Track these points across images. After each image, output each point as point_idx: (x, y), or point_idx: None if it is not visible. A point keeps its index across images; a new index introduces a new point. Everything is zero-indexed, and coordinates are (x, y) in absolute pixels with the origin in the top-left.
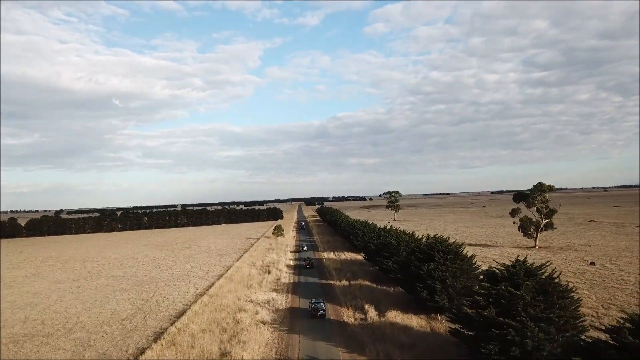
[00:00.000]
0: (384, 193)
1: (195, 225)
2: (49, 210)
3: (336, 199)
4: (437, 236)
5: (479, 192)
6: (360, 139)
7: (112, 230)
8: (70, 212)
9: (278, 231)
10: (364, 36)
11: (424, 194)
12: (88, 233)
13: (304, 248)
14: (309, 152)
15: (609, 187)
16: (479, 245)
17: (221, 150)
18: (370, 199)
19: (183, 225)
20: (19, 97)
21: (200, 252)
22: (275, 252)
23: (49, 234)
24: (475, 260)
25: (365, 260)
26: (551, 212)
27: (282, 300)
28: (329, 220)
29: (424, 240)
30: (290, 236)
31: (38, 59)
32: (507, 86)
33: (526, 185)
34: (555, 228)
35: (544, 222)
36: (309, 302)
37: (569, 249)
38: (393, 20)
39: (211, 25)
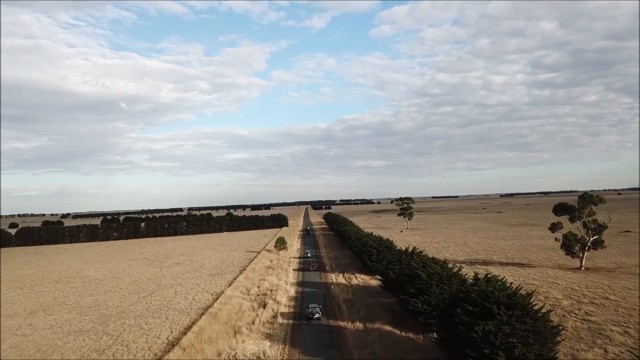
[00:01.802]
0: (396, 199)
1: (195, 233)
2: (55, 214)
3: (343, 202)
4: (489, 277)
5: (487, 195)
6: (366, 142)
7: (107, 239)
8: (75, 216)
9: (281, 244)
10: (370, 38)
11: (432, 197)
12: (82, 242)
13: (308, 255)
14: (314, 154)
15: (621, 190)
16: (512, 264)
17: (227, 153)
18: (378, 203)
19: (182, 234)
20: (27, 100)
21: (192, 270)
22: (276, 272)
23: (41, 244)
24: (549, 314)
25: (381, 288)
26: (600, 228)
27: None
28: (336, 230)
29: (469, 280)
30: (294, 249)
31: (45, 62)
32: (514, 88)
33: (533, 187)
34: (606, 247)
35: (591, 239)
36: (306, 307)
37: (624, 272)
38: (399, 22)
39: (217, 28)
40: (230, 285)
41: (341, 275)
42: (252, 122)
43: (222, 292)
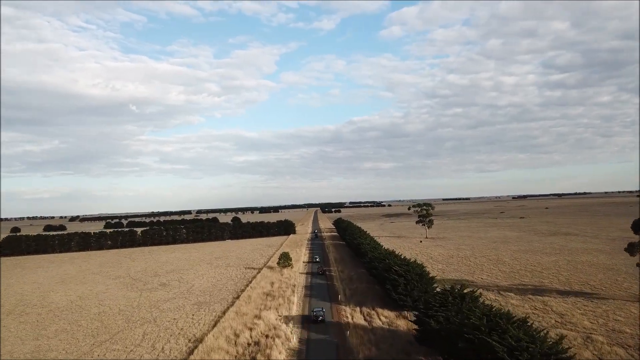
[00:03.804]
0: (414, 205)
1: (195, 241)
2: (64, 217)
3: (353, 205)
4: None
5: (499, 197)
6: (375, 143)
7: (100, 247)
8: (83, 219)
9: (284, 261)
10: (379, 40)
11: (443, 199)
12: (73, 251)
13: (317, 259)
14: (323, 156)
15: (637, 192)
16: (573, 293)
17: (236, 155)
18: (389, 205)
19: (182, 242)
20: (38, 103)
21: (176, 296)
22: (276, 302)
23: (29, 253)
24: None
25: (414, 338)
26: None
27: None
28: (349, 242)
29: None
30: (301, 264)
31: (57, 66)
32: (525, 89)
33: (545, 189)
34: None
35: None
36: (312, 311)
37: None
38: (409, 23)
39: (227, 31)
40: (215, 324)
41: (358, 309)
42: (260, 124)
43: (203, 338)
